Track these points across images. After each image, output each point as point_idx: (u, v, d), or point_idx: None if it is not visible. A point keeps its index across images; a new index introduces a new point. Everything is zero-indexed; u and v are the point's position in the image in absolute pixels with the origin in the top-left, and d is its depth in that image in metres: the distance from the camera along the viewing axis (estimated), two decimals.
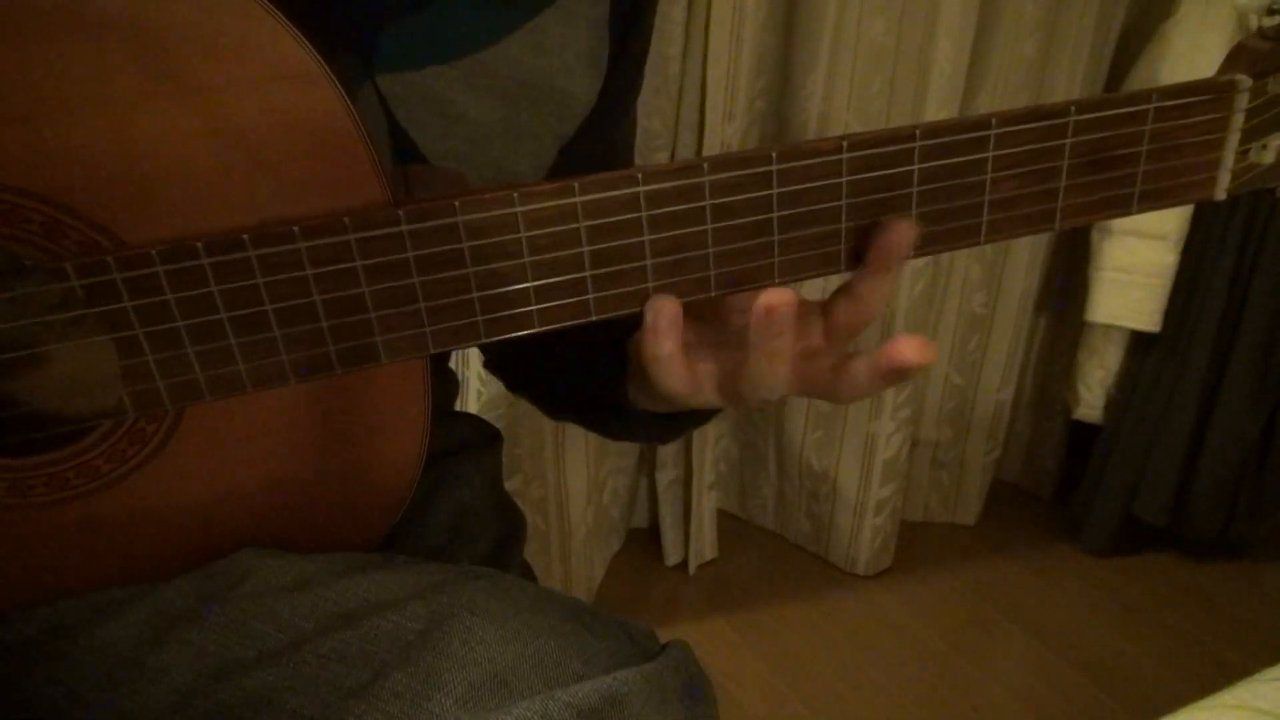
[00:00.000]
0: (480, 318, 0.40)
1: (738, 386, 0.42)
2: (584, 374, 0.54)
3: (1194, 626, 1.52)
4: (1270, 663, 0.65)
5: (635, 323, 0.46)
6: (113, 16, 0.34)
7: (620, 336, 0.50)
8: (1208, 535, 1.58)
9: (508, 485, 0.77)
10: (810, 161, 0.39)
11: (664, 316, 0.40)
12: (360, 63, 0.45)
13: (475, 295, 0.39)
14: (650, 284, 0.41)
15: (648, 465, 1.61)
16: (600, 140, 0.56)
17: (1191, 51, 1.38)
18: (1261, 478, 1.56)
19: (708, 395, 0.43)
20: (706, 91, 1.28)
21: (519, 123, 0.50)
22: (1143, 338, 1.54)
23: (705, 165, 0.39)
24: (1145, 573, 1.64)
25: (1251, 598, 1.59)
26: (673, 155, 1.35)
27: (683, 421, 0.53)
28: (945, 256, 1.54)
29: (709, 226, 0.40)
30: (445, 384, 0.70)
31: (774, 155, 0.39)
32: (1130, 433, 1.57)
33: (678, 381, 0.41)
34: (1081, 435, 1.72)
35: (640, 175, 0.38)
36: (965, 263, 1.56)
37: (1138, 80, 1.46)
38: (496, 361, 0.66)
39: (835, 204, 0.40)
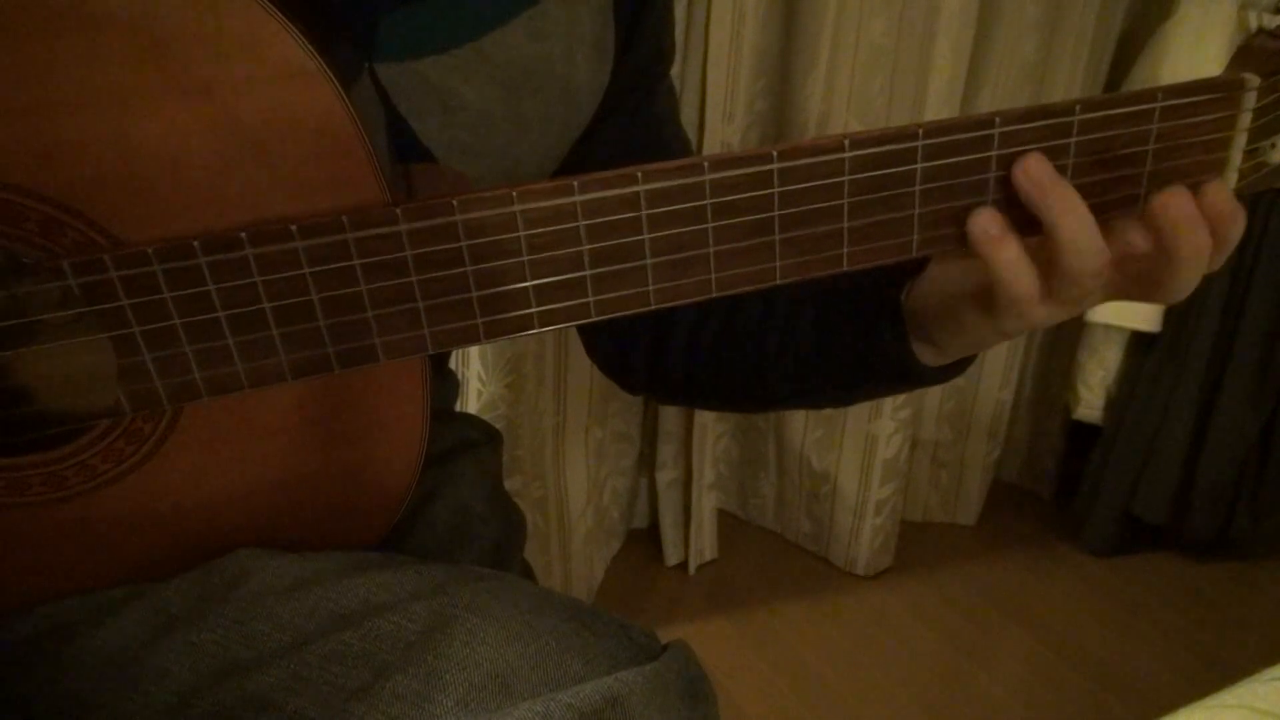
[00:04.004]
0: (479, 319, 0.40)
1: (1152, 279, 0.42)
2: (840, 354, 0.52)
3: (1194, 626, 1.52)
4: (1270, 663, 0.64)
5: (880, 281, 0.47)
6: (113, 14, 0.34)
7: (868, 307, 0.49)
8: (1208, 535, 1.58)
9: (508, 485, 0.77)
10: (812, 160, 0.39)
11: (995, 224, 0.41)
12: (359, 54, 0.45)
13: (474, 295, 0.39)
14: (650, 285, 0.40)
15: (648, 465, 1.61)
16: (629, 129, 0.56)
17: (1191, 51, 1.38)
18: (1261, 478, 1.56)
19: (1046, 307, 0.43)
20: (706, 91, 1.28)
21: (522, 111, 0.50)
22: (1143, 338, 1.54)
23: (705, 164, 0.38)
24: (1145, 573, 1.64)
25: (1251, 598, 1.59)
26: None
27: (963, 363, 0.51)
28: None
29: (709, 225, 0.40)
30: (445, 384, 0.69)
31: (775, 154, 0.39)
32: (1130, 433, 1.57)
33: (1028, 281, 0.41)
34: (1081, 435, 1.71)
35: (640, 174, 0.38)
36: None
37: (1138, 80, 1.46)
38: (684, 380, 0.60)
39: (837, 203, 0.40)
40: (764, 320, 0.55)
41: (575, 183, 0.38)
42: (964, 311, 0.45)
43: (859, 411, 1.53)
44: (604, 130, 0.55)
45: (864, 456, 1.55)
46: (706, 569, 1.63)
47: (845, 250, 0.41)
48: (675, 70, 1.29)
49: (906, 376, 0.50)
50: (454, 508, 0.58)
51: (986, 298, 0.43)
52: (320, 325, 0.39)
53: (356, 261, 0.38)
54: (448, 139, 0.48)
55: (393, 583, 0.42)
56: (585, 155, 0.55)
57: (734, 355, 0.57)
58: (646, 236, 0.39)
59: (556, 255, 0.39)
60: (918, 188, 0.40)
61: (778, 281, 0.41)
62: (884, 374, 0.51)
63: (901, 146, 0.39)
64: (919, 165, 0.40)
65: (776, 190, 0.39)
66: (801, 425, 1.59)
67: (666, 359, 0.59)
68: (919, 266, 0.48)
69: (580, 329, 0.63)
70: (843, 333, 0.52)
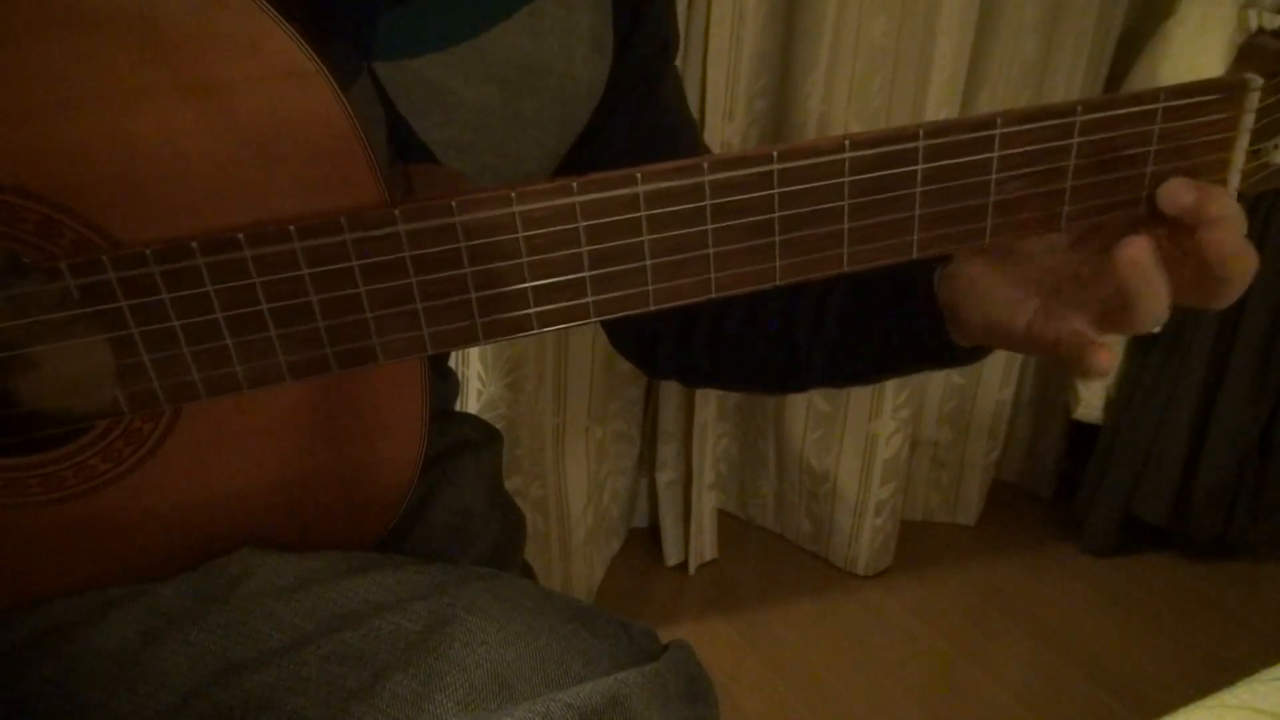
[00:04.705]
0: (478, 318, 0.40)
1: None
2: (873, 342, 0.53)
3: (1194, 626, 1.52)
4: (1270, 663, 0.64)
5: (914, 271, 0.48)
6: (111, 13, 0.34)
7: (904, 289, 0.50)
8: (1208, 535, 1.58)
9: (508, 485, 0.77)
10: (812, 161, 0.39)
11: (1148, 251, 0.40)
12: (358, 52, 0.45)
13: (473, 296, 0.39)
14: (650, 285, 0.40)
15: (648, 465, 1.61)
16: (636, 123, 0.56)
17: (1192, 51, 1.38)
18: (1261, 478, 1.56)
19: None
20: (706, 91, 1.28)
21: (520, 109, 0.50)
22: (1143, 338, 1.54)
23: (705, 165, 0.38)
24: (1145, 573, 1.64)
25: (1251, 598, 1.59)
26: None
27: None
28: None
29: (709, 227, 0.39)
30: (445, 384, 0.69)
31: (775, 154, 0.38)
32: (1130, 433, 1.57)
33: (1163, 304, 0.41)
34: (1081, 435, 1.71)
35: (639, 175, 0.38)
36: None
37: (1138, 80, 1.46)
38: (711, 366, 0.61)
39: (837, 204, 0.40)
40: (790, 309, 0.55)
41: (574, 183, 0.38)
42: (1016, 331, 0.45)
43: (859, 411, 1.53)
44: (611, 125, 0.55)
45: (864, 456, 1.55)
46: (706, 569, 1.63)
47: (845, 251, 0.41)
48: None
49: (941, 360, 0.51)
50: (454, 508, 0.58)
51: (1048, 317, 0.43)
52: (319, 326, 0.39)
53: (355, 263, 0.38)
54: (446, 137, 0.48)
55: (392, 583, 0.42)
56: (593, 151, 0.55)
57: (761, 343, 0.57)
58: (646, 238, 0.39)
59: (555, 256, 0.39)
60: (918, 189, 0.40)
61: (777, 282, 0.41)
62: (918, 359, 0.52)
63: (902, 147, 0.39)
64: (920, 166, 0.40)
65: (777, 191, 0.39)
66: (801, 425, 1.59)
67: (691, 348, 0.60)
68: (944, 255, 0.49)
69: (601, 321, 0.64)
70: (875, 322, 0.52)
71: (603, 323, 0.64)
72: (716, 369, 0.60)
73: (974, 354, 0.51)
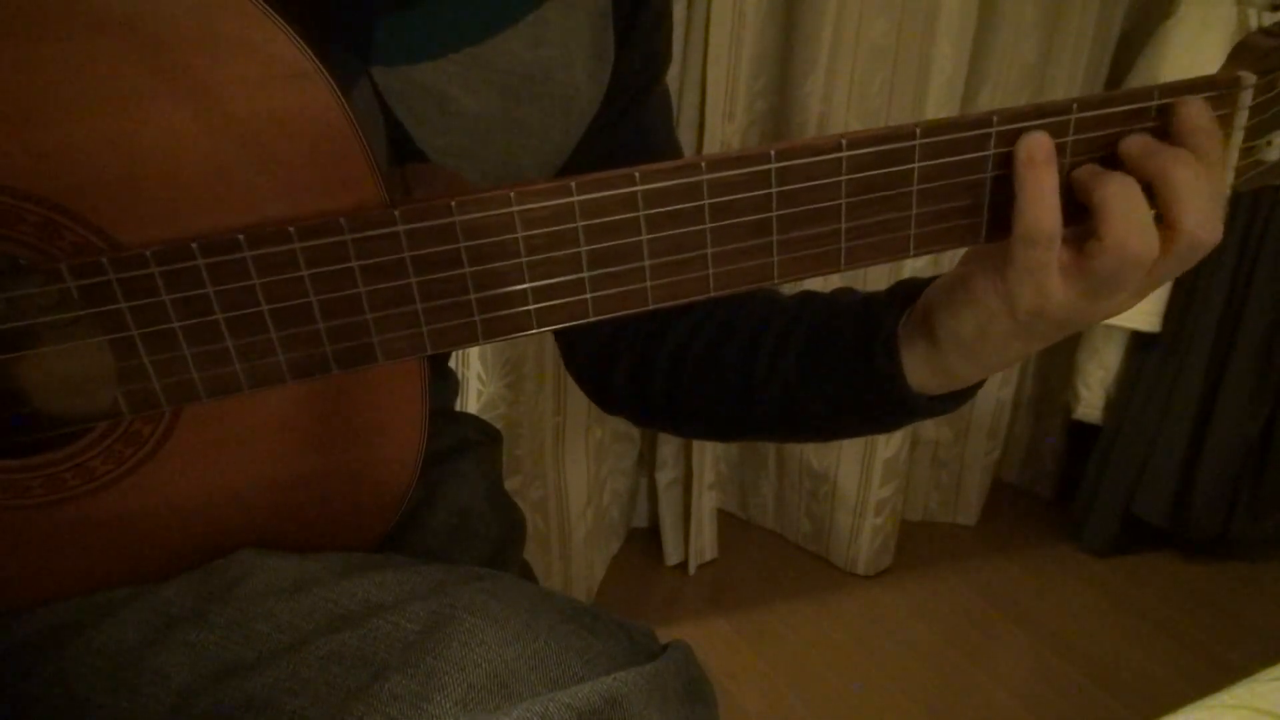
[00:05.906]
0: (478, 318, 0.40)
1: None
2: (830, 376, 0.51)
3: (1194, 626, 1.52)
4: (1270, 663, 0.64)
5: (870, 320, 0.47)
6: (109, 15, 0.34)
7: (862, 339, 0.48)
8: (1208, 535, 1.58)
9: (508, 485, 0.77)
10: (809, 160, 0.39)
11: (1042, 149, 0.39)
12: (357, 57, 0.45)
13: (472, 296, 0.39)
14: (649, 283, 0.40)
15: (648, 465, 1.61)
16: (615, 135, 0.56)
17: (1191, 51, 1.38)
18: (1261, 478, 1.56)
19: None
20: (706, 91, 1.28)
21: (520, 117, 0.50)
22: (1143, 338, 1.54)
23: (703, 164, 0.38)
24: (1145, 573, 1.64)
25: (1251, 598, 1.59)
26: None
27: (960, 396, 0.50)
28: (946, 256, 1.54)
29: (707, 226, 0.40)
30: (445, 384, 0.69)
31: (772, 154, 0.39)
32: (1130, 433, 1.57)
33: (1054, 215, 0.40)
34: (1081, 435, 1.71)
35: (638, 174, 0.38)
36: None
37: (1137, 80, 1.46)
38: (664, 403, 0.59)
39: (834, 203, 0.40)
40: (753, 344, 0.54)
41: (573, 183, 0.38)
42: (976, 282, 0.43)
43: None
44: (588, 135, 0.54)
45: (864, 456, 1.55)
46: (706, 569, 1.63)
47: (843, 248, 0.41)
48: (675, 70, 1.29)
49: (898, 403, 0.48)
50: (454, 508, 0.58)
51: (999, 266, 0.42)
52: (319, 327, 0.39)
53: (355, 263, 0.38)
54: (444, 144, 0.48)
55: (392, 583, 0.42)
56: (571, 161, 0.54)
57: (719, 376, 0.55)
58: (645, 237, 0.39)
59: (555, 256, 0.39)
60: (915, 188, 0.40)
61: (775, 280, 0.41)
62: (873, 400, 0.49)
63: (898, 146, 0.39)
64: (916, 165, 0.40)
65: (774, 190, 0.39)
66: None
67: (649, 378, 0.58)
68: (914, 296, 0.48)
69: (559, 341, 0.63)
70: (833, 355, 0.51)
71: (560, 345, 0.63)
72: (670, 403, 0.58)
73: (933, 403, 0.49)
